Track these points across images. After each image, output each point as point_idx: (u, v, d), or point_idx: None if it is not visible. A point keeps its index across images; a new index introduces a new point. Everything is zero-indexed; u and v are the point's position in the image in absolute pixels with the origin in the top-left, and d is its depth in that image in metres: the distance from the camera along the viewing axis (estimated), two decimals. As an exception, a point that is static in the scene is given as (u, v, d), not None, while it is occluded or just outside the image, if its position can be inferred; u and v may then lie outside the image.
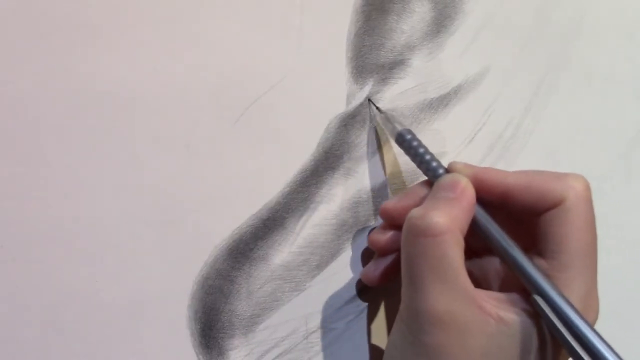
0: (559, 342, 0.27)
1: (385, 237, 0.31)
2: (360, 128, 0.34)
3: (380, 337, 0.34)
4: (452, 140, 0.36)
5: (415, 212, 0.28)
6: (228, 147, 0.32)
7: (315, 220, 0.34)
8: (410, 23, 0.35)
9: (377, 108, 0.34)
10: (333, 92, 0.34)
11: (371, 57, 0.34)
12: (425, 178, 0.31)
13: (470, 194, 0.29)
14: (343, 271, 0.34)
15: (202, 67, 0.32)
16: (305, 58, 0.33)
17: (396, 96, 0.35)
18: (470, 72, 0.36)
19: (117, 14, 0.31)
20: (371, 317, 0.34)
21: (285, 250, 0.33)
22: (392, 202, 0.31)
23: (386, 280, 0.32)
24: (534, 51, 0.37)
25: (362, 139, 0.34)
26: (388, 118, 0.33)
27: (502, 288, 0.30)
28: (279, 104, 0.33)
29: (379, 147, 0.35)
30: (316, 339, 0.33)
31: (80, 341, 0.31)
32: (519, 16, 0.37)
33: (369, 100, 0.34)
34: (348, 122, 0.34)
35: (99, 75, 0.31)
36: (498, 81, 0.37)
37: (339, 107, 0.34)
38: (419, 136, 0.32)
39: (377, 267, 0.32)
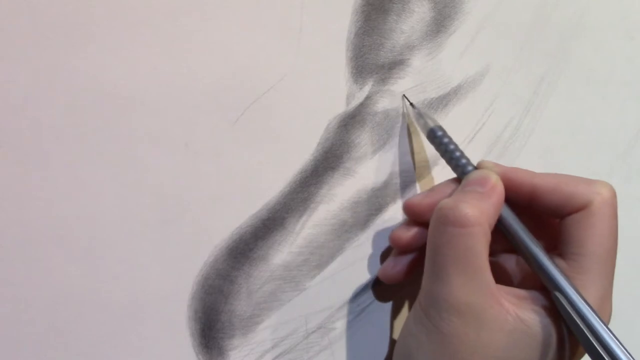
0: (577, 342, 0.27)
1: (409, 234, 0.31)
2: (360, 128, 0.34)
3: (394, 328, 0.34)
4: (453, 140, 0.35)
5: (445, 203, 0.28)
6: (228, 146, 0.32)
7: (315, 220, 0.34)
8: (409, 23, 0.35)
9: (411, 104, 0.34)
10: (333, 92, 0.34)
11: (371, 57, 0.34)
12: (454, 176, 0.32)
13: (500, 190, 0.29)
14: (343, 271, 0.34)
15: (202, 67, 0.32)
16: (305, 58, 0.33)
17: (396, 96, 0.35)
18: (470, 72, 0.36)
19: (116, 14, 0.31)
20: (384, 309, 0.34)
21: (285, 250, 0.33)
22: (417, 198, 0.31)
23: (406, 278, 0.32)
24: (534, 51, 0.37)
25: (362, 139, 0.34)
26: (421, 114, 0.33)
27: (517, 287, 0.30)
28: (278, 104, 0.33)
29: (410, 142, 0.35)
30: (316, 339, 0.33)
31: (80, 341, 0.31)
32: (518, 16, 0.37)
33: (403, 95, 0.35)
34: (348, 122, 0.34)
35: (98, 75, 0.31)
36: (498, 81, 0.37)
37: (339, 107, 0.34)
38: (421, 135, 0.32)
39: (395, 265, 0.32)
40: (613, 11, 0.39)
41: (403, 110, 0.35)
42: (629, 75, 0.39)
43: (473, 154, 0.36)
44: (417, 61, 0.35)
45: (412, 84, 0.35)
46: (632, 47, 0.39)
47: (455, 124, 0.36)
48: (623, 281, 0.38)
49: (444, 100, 0.36)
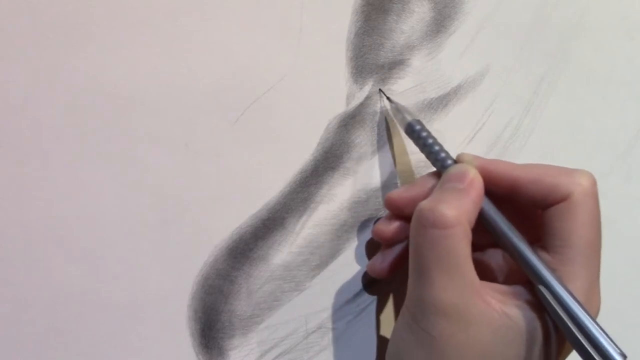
0: (563, 334, 0.27)
1: (390, 227, 0.31)
2: (360, 128, 0.34)
3: (387, 329, 0.34)
4: (451, 140, 0.36)
5: (425, 204, 0.28)
6: (228, 146, 0.32)
7: (315, 220, 0.34)
8: (409, 23, 0.35)
9: (388, 98, 0.34)
10: (333, 92, 0.34)
11: (371, 57, 0.34)
12: (433, 170, 0.32)
13: (478, 185, 0.29)
14: (343, 271, 0.34)
15: (202, 67, 0.32)
16: (305, 58, 0.33)
17: (396, 96, 0.35)
18: (470, 72, 0.36)
19: (116, 13, 0.31)
20: (378, 309, 0.34)
21: (285, 250, 0.33)
22: (398, 192, 0.31)
23: (393, 272, 0.32)
24: (534, 51, 0.37)
25: (362, 139, 0.34)
26: (398, 108, 0.33)
27: (504, 282, 0.30)
28: (278, 104, 0.33)
29: (389, 138, 0.35)
30: (316, 339, 0.33)
31: (80, 341, 0.31)
32: (518, 16, 0.37)
33: (380, 90, 0.34)
34: (348, 122, 0.34)
35: (98, 75, 0.31)
36: (498, 81, 0.37)
37: (339, 107, 0.34)
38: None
39: (384, 259, 0.32)
40: (613, 11, 0.39)
41: (380, 105, 0.35)
42: (629, 75, 0.39)
43: (473, 153, 0.36)
44: (417, 61, 0.35)
45: (412, 84, 0.35)
46: (632, 47, 0.39)
47: (455, 124, 0.36)
48: (623, 281, 0.38)
49: (444, 100, 0.36)
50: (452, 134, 0.33)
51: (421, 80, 0.35)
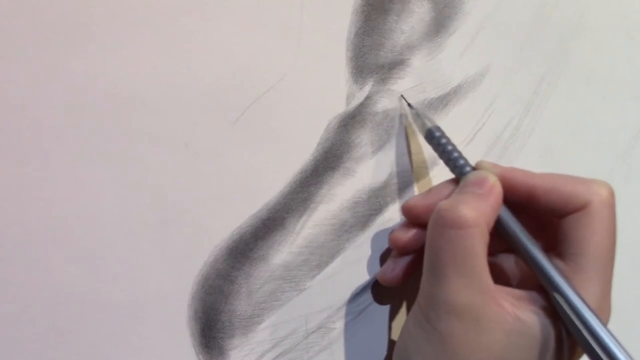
0: (576, 342, 0.27)
1: (407, 235, 0.31)
2: (360, 128, 0.34)
3: (392, 330, 0.34)
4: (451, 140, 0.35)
5: (444, 204, 0.28)
6: (228, 146, 0.32)
7: (315, 220, 0.34)
8: (409, 23, 0.35)
9: (409, 104, 0.34)
10: (333, 92, 0.34)
11: (371, 57, 0.34)
12: (452, 176, 0.32)
13: (497, 191, 0.29)
14: (343, 271, 0.34)
15: (202, 67, 0.32)
16: (305, 58, 0.33)
17: (396, 96, 0.35)
18: (470, 72, 0.36)
19: (116, 13, 0.31)
20: (382, 310, 0.34)
21: (285, 250, 0.33)
22: (415, 200, 0.31)
23: (404, 280, 0.32)
24: (534, 51, 0.37)
25: (362, 139, 0.34)
26: (419, 114, 0.33)
27: (516, 287, 0.30)
28: (278, 104, 0.33)
29: (407, 144, 0.35)
30: (316, 339, 0.33)
31: (80, 341, 0.31)
32: (518, 16, 0.37)
33: (401, 96, 0.35)
34: (348, 122, 0.34)
35: (98, 75, 0.31)
36: (498, 81, 0.37)
37: (339, 107, 0.34)
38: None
39: (395, 267, 0.32)
40: (613, 11, 0.39)
41: (400, 110, 0.35)
42: (629, 75, 0.39)
43: (473, 154, 0.36)
44: (417, 61, 0.35)
45: (412, 84, 0.35)
46: (632, 47, 0.39)
47: (455, 124, 0.36)
48: (623, 281, 0.38)
49: (444, 100, 0.36)
50: (452, 134, 0.33)
51: (421, 80, 0.35)
